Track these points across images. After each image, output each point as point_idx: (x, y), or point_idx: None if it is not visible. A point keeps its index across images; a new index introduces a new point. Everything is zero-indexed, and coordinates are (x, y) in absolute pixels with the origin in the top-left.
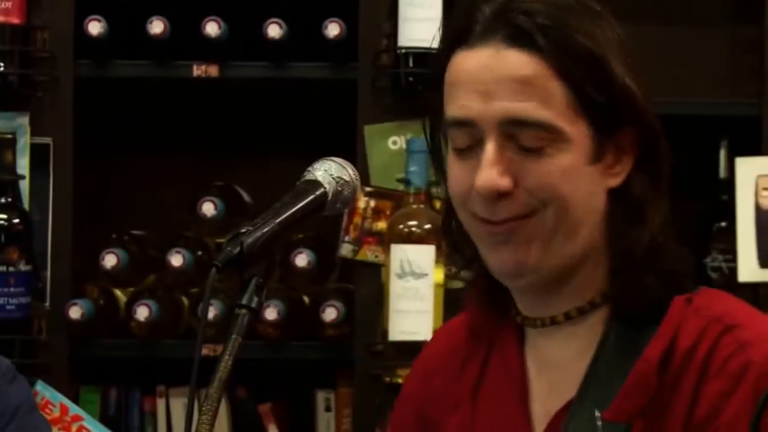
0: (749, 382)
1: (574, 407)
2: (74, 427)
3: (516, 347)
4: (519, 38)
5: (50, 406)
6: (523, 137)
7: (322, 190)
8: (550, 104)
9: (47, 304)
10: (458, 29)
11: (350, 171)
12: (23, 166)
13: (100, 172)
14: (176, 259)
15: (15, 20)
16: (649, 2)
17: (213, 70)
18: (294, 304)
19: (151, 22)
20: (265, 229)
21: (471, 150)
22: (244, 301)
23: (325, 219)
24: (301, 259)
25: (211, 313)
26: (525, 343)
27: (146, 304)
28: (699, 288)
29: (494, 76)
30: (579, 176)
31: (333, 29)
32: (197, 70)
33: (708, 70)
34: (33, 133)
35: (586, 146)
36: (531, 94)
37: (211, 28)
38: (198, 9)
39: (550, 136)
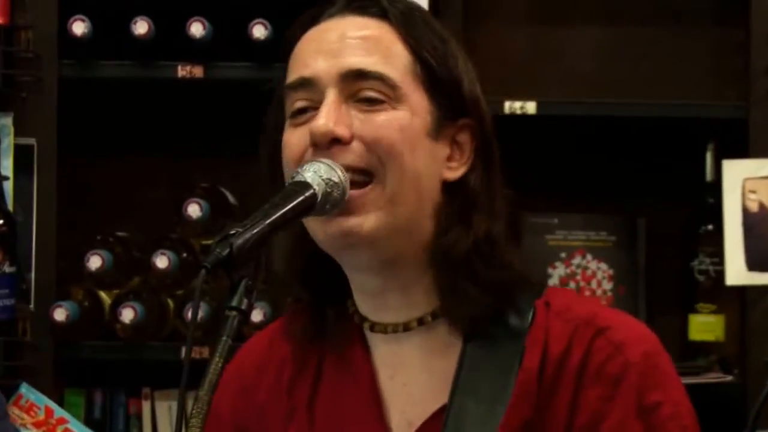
0: (630, 384)
1: (450, 420)
2: (59, 430)
3: (361, 352)
4: (368, 8)
5: (35, 409)
6: (362, 92)
7: (311, 191)
8: (393, 63)
9: (32, 306)
10: (308, 18)
11: (339, 172)
12: (7, 167)
13: (85, 173)
14: (161, 261)
15: None
16: (635, 4)
17: (198, 71)
18: (279, 306)
19: (135, 23)
20: (255, 231)
21: (308, 113)
22: (233, 303)
23: None
24: None
25: (198, 316)
26: (369, 347)
27: (131, 306)
28: (545, 288)
29: (339, 35)
30: (417, 141)
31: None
32: (182, 71)
33: (694, 72)
34: (17, 134)
35: (425, 117)
36: (376, 50)
37: (196, 29)
38: (182, 9)
39: (389, 92)
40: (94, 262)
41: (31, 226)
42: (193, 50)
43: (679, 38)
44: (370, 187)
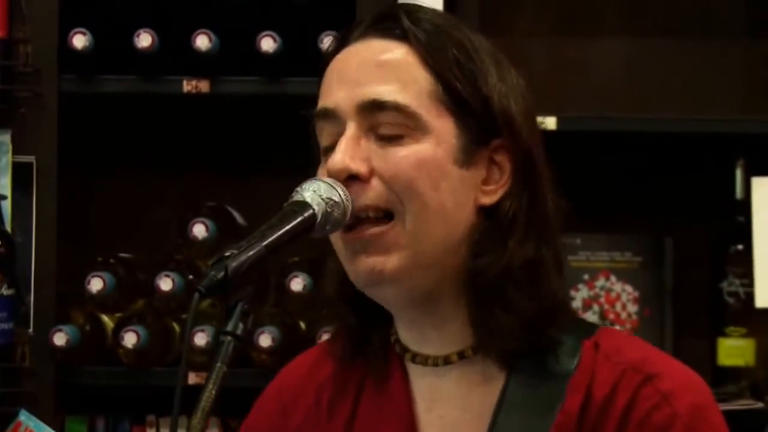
0: None
1: None
2: None
3: (402, 382)
4: (392, 31)
5: None
6: (382, 125)
7: (310, 211)
8: (411, 90)
9: (31, 330)
10: (338, 40)
11: (340, 191)
12: (5, 185)
13: (86, 192)
14: (165, 283)
15: None
16: (663, 16)
17: (204, 86)
18: (289, 330)
19: (138, 35)
20: (251, 253)
21: (333, 151)
22: (229, 328)
23: (320, 241)
24: (297, 284)
25: (203, 340)
26: (409, 377)
27: (134, 330)
28: (597, 327)
29: (359, 61)
30: (441, 173)
31: (329, 42)
32: (187, 86)
33: (723, 87)
34: (15, 152)
35: (452, 144)
36: (393, 77)
37: (202, 42)
38: (188, 21)
39: (408, 123)
40: (96, 284)
41: (30, 247)
42: (198, 64)
43: (708, 50)
44: (389, 225)
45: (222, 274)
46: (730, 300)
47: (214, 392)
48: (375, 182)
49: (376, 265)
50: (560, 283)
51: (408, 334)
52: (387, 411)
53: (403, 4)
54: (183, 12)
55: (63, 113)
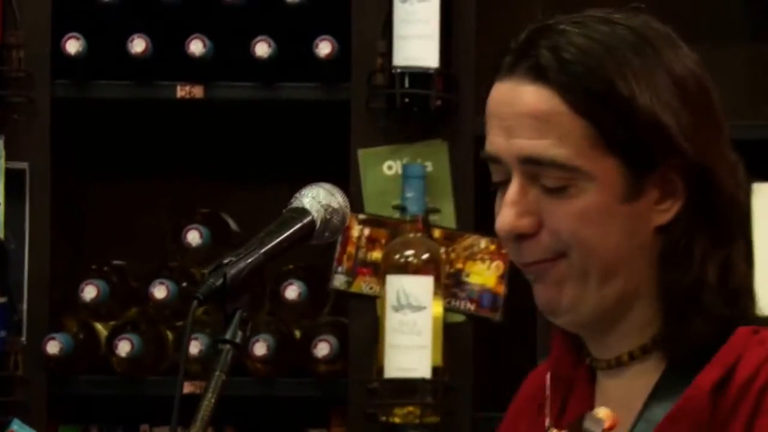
0: None
1: None
2: None
3: (587, 389)
4: (539, 72)
5: None
6: (544, 176)
7: (309, 218)
8: (568, 142)
9: (23, 338)
10: (497, 57)
11: (339, 198)
12: None
13: (79, 199)
14: (159, 291)
15: None
16: (665, 19)
17: (198, 91)
18: (284, 338)
19: (132, 41)
20: (249, 260)
21: (504, 186)
22: (227, 336)
23: (316, 248)
24: (292, 291)
25: (196, 348)
26: (596, 385)
27: (128, 339)
28: None
29: (512, 111)
30: (608, 216)
31: (324, 48)
32: (181, 91)
33: (725, 92)
34: (8, 158)
35: (617, 184)
36: (547, 131)
37: (196, 47)
38: (182, 26)
39: (570, 176)
40: (89, 292)
41: (23, 254)
42: (192, 69)
43: (710, 55)
44: (557, 261)
45: (221, 281)
46: None
47: (213, 401)
48: (542, 236)
49: (551, 296)
50: (751, 275)
51: (588, 343)
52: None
53: (547, 30)
54: (177, 17)
55: (56, 119)
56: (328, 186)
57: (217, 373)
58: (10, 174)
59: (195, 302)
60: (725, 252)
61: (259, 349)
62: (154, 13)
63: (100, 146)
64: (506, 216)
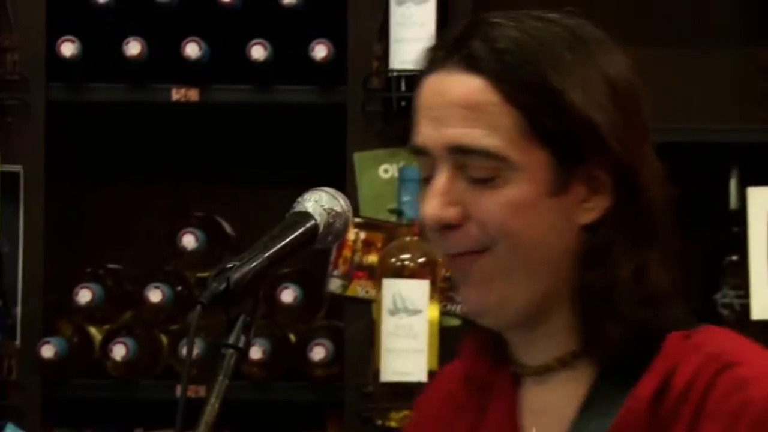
0: (747, 423)
1: None
2: None
3: (510, 396)
4: (471, 63)
5: None
6: (472, 167)
7: (312, 222)
8: (498, 131)
9: (18, 342)
10: (428, 52)
11: (342, 202)
12: None
13: (74, 202)
14: (154, 295)
15: None
16: (656, 24)
17: (193, 94)
18: (280, 342)
19: (127, 43)
20: (253, 264)
21: (430, 180)
22: (231, 341)
23: (312, 252)
24: (287, 295)
25: (194, 352)
26: (521, 390)
27: (123, 342)
28: (700, 326)
29: (443, 101)
30: (536, 209)
31: (320, 51)
32: (176, 94)
33: (717, 95)
34: (2, 161)
35: (545, 176)
36: (478, 120)
37: (191, 50)
38: (177, 29)
39: (498, 165)
40: (84, 295)
41: (17, 257)
42: (188, 72)
43: (702, 60)
44: (482, 254)
45: (224, 285)
46: (725, 312)
47: (217, 406)
48: (469, 227)
49: (479, 296)
50: (670, 280)
51: (514, 348)
52: (501, 426)
53: (481, 23)
54: (172, 20)
55: (51, 122)
56: (330, 190)
57: (220, 377)
58: (4, 177)
59: (199, 307)
60: (641, 255)
61: (255, 352)
62: (149, 16)
63: (95, 149)
64: (432, 206)
